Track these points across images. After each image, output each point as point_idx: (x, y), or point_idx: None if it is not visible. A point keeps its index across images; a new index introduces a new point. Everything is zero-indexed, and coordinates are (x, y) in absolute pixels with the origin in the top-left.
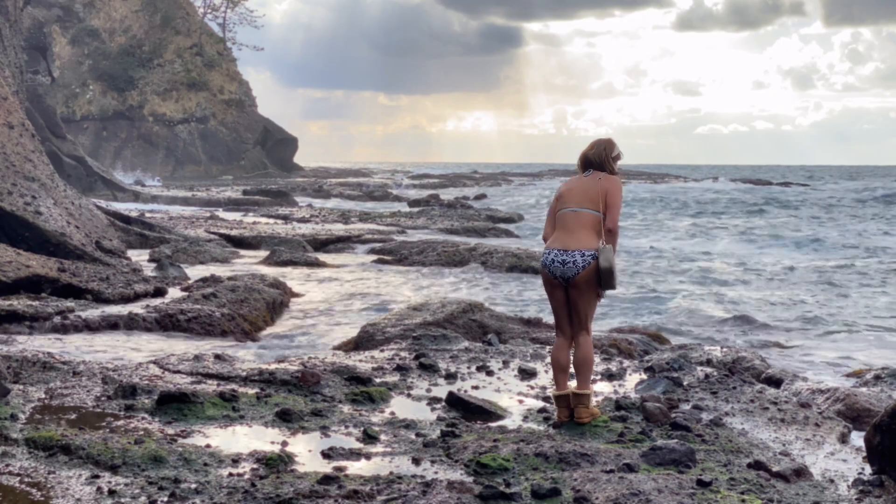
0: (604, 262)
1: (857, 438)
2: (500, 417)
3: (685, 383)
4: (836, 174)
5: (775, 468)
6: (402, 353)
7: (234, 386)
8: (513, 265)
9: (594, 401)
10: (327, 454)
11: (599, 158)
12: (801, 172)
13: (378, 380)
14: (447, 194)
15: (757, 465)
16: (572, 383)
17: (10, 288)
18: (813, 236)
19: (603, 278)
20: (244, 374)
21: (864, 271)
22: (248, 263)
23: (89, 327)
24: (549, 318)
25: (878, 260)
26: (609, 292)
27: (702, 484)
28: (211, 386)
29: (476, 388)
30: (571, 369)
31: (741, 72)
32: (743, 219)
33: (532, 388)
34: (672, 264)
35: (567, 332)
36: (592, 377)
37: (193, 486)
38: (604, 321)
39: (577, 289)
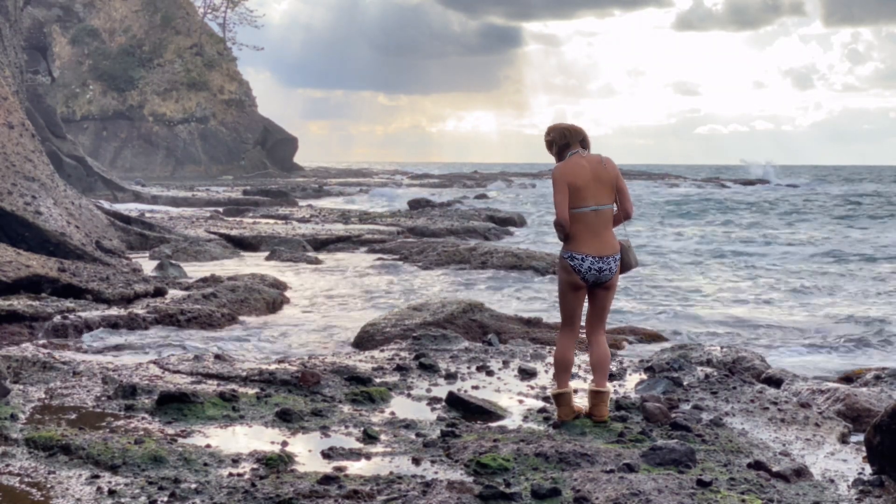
0: (634, 264)
1: (857, 438)
2: (500, 417)
3: (685, 383)
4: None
5: (775, 468)
6: (402, 353)
7: (234, 386)
8: (513, 265)
9: None
10: (327, 454)
11: (586, 136)
12: (793, 173)
13: (378, 380)
14: (447, 195)
15: (757, 465)
16: (572, 383)
17: (10, 288)
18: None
19: (624, 270)
20: (244, 374)
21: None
22: (249, 263)
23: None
24: (548, 319)
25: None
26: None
27: (702, 484)
28: (211, 386)
29: (476, 388)
30: (573, 369)
31: (741, 72)
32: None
33: (532, 388)
34: (669, 263)
35: (577, 330)
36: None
37: (193, 486)
38: None
39: (608, 289)
